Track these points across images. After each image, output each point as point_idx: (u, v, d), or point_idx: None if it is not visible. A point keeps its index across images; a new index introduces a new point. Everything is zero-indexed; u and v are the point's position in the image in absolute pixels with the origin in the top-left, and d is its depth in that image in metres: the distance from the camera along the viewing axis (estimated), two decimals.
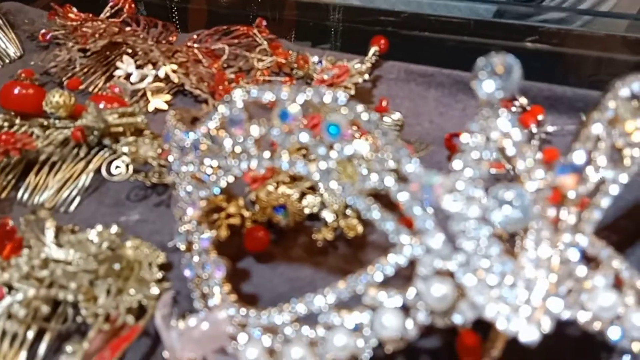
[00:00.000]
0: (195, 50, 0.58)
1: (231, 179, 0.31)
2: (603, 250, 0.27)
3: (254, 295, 0.38)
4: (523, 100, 0.53)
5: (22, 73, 0.51)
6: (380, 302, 0.27)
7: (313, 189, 0.43)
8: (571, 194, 0.26)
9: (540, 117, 0.51)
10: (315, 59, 0.59)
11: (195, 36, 0.63)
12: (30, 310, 0.34)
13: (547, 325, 0.24)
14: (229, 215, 0.42)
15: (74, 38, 0.60)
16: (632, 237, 0.41)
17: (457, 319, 0.25)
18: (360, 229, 0.41)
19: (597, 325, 0.26)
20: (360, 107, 0.26)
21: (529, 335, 0.24)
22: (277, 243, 0.42)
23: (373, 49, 0.58)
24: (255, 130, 0.29)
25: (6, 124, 0.49)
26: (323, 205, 0.43)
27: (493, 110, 0.25)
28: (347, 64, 0.56)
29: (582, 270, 0.26)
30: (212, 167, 0.32)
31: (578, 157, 0.26)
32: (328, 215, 0.42)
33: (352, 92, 0.52)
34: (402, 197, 0.26)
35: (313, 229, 0.42)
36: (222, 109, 0.30)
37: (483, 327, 0.30)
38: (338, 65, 0.55)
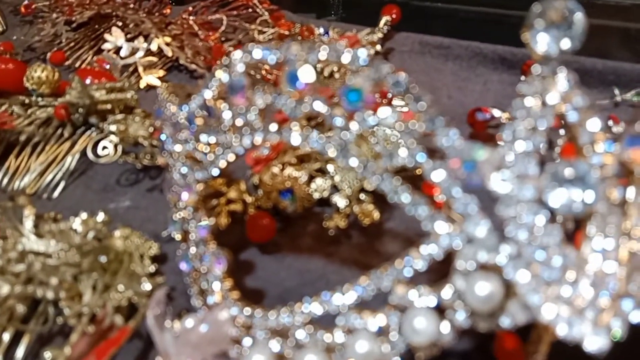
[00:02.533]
0: (191, 22, 0.54)
1: (232, 157, 0.27)
2: None
3: (258, 290, 0.34)
4: None
5: (1, 46, 0.47)
6: (410, 302, 0.23)
7: (322, 171, 0.39)
8: (639, 171, 0.22)
9: None
10: (321, 30, 0.54)
11: (190, 8, 0.58)
12: (4, 310, 0.30)
13: (619, 330, 0.20)
14: (229, 201, 0.38)
15: (59, 9, 0.55)
16: None
17: (505, 322, 0.21)
18: (376, 215, 0.36)
19: None
20: (386, 68, 0.22)
21: (597, 343, 0.19)
22: (284, 232, 0.38)
23: (385, 19, 0.53)
24: (259, 99, 0.24)
25: None
26: (334, 189, 0.38)
27: (550, 68, 0.21)
28: (356, 34, 0.51)
29: None
30: (209, 144, 0.28)
31: None
32: (340, 201, 0.38)
33: None
34: (438, 177, 0.22)
35: (324, 215, 0.38)
36: (220, 74, 0.25)
37: (522, 327, 0.26)
38: (347, 36, 0.50)
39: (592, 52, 0.52)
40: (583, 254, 0.20)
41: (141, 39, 0.52)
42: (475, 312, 0.22)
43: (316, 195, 0.38)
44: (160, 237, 0.37)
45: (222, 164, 0.28)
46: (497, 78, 0.50)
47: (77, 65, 0.53)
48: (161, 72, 0.52)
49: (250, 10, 0.57)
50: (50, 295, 0.31)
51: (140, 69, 0.51)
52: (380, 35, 0.52)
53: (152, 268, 0.34)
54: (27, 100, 0.45)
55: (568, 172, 0.20)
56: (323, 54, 0.23)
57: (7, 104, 0.45)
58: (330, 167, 0.39)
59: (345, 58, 0.23)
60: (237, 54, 0.25)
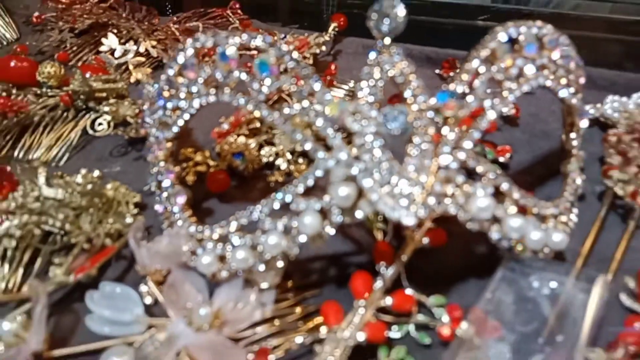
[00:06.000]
0: (173, 29, 0.65)
1: (187, 116, 0.38)
2: (482, 165, 0.34)
3: None
4: None
5: (18, 48, 0.58)
6: (303, 208, 0.33)
7: (271, 143, 0.50)
8: (451, 115, 0.33)
9: None
10: (282, 35, 0.66)
11: (175, 18, 0.70)
12: (25, 233, 0.40)
13: (422, 213, 0.31)
14: (196, 164, 0.49)
15: (64, 18, 0.67)
16: (543, 179, 0.47)
17: (359, 214, 0.32)
18: None
19: (476, 225, 0.33)
20: (284, 47, 0.33)
21: (407, 220, 0.30)
22: (239, 187, 0.49)
23: (333, 25, 0.65)
24: (203, 72, 0.36)
25: (4, 93, 0.56)
26: (278, 156, 0.49)
27: (385, 45, 0.32)
28: (307, 37, 0.62)
29: (461, 178, 0.32)
30: (173, 109, 0.39)
31: (456, 85, 0.33)
32: (282, 163, 0.49)
33: (311, 61, 0.59)
34: (319, 122, 0.33)
35: (269, 175, 0.49)
36: (178, 57, 0.37)
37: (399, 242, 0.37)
38: (299, 39, 0.61)
39: None
40: (405, 166, 0.31)
41: (131, 42, 0.63)
42: (344, 211, 0.32)
43: (264, 160, 0.49)
44: (142, 191, 0.48)
45: (181, 122, 0.38)
46: (420, 73, 0.61)
47: (79, 64, 0.64)
48: (148, 70, 0.63)
49: (224, 19, 0.69)
50: (57, 224, 0.42)
51: (131, 67, 0.62)
52: (327, 38, 0.63)
53: (135, 210, 0.45)
54: (38, 91, 0.56)
55: (393, 112, 0.31)
56: (243, 38, 0.34)
57: (23, 94, 0.56)
58: (276, 139, 0.50)
59: (258, 41, 0.34)
60: (188, 42, 0.36)
